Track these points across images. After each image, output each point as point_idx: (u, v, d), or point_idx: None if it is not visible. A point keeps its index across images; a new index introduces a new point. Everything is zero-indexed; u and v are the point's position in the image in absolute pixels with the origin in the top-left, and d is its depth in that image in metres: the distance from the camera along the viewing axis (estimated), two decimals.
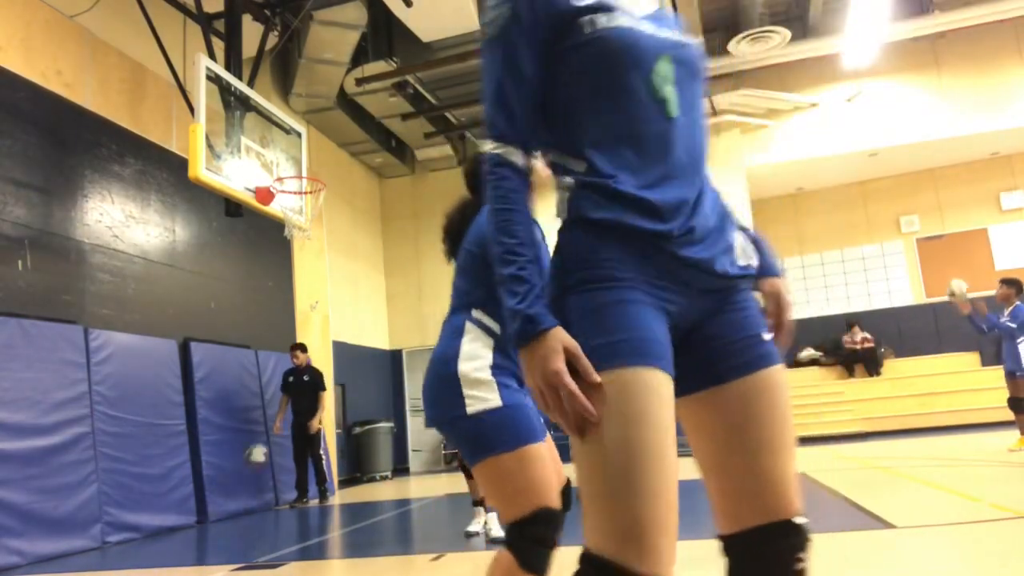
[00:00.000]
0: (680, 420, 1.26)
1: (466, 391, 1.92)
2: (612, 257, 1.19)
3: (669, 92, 1.25)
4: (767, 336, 1.31)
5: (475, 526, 5.01)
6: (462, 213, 2.34)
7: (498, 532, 4.67)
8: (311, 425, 8.54)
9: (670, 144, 1.25)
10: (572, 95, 1.26)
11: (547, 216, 1.40)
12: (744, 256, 1.33)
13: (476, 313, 2.03)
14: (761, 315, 1.34)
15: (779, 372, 1.29)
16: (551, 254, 1.29)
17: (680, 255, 1.21)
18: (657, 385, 1.14)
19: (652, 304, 1.19)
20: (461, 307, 2.07)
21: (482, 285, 2.02)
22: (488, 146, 1.26)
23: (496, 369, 1.95)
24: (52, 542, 5.59)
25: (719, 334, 1.27)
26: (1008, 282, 7.75)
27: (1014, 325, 7.53)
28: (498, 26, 1.25)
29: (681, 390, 1.24)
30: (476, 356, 1.95)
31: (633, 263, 1.19)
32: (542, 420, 2.00)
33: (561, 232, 1.27)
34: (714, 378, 1.26)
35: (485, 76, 1.27)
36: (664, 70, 1.25)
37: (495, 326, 2.01)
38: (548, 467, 1.94)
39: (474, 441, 1.93)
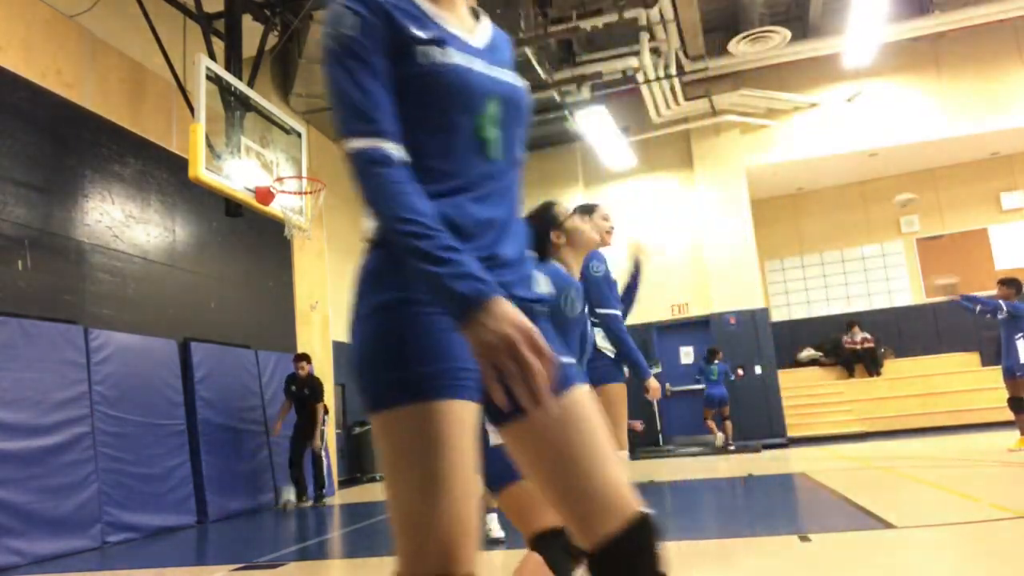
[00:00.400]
0: (507, 446, 1.32)
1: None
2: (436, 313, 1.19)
3: (493, 134, 1.30)
4: (566, 360, 1.34)
5: None
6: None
7: (498, 533, 4.66)
8: (314, 445, 8.56)
9: (486, 180, 1.29)
10: (400, 119, 1.25)
11: None
12: (540, 285, 1.39)
13: None
14: (556, 340, 1.39)
15: (581, 390, 1.34)
16: (359, 274, 1.26)
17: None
18: (462, 415, 1.19)
19: None
20: None
21: None
22: (360, 143, 1.18)
23: None
24: (52, 542, 5.59)
25: None
26: (1007, 282, 7.76)
27: (1006, 308, 7.53)
28: (350, 34, 1.21)
29: (498, 418, 1.29)
30: None
31: None
32: None
33: (373, 252, 1.26)
34: (518, 407, 1.23)
35: (341, 79, 1.21)
36: (492, 112, 1.29)
37: None
38: None
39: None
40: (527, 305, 1.30)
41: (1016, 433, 7.91)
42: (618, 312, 3.41)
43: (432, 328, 1.19)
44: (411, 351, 1.17)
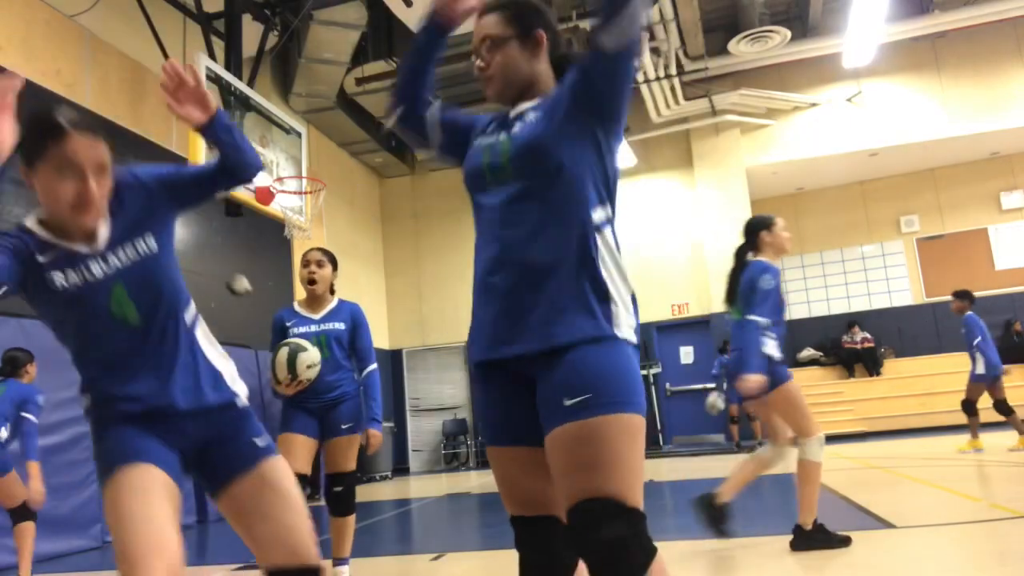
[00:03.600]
0: (223, 512, 1.76)
1: None
2: (120, 429, 1.67)
3: (127, 308, 1.67)
4: (260, 441, 1.78)
5: None
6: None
7: None
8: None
9: (136, 345, 1.68)
10: (56, 324, 1.69)
11: None
12: (215, 391, 1.77)
13: None
14: (257, 424, 1.81)
15: (269, 463, 1.76)
16: None
17: (160, 415, 1.68)
18: (144, 471, 1.60)
19: (152, 436, 1.67)
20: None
21: None
22: None
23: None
24: (52, 542, 5.59)
25: (215, 451, 1.74)
26: (960, 295, 7.95)
27: (963, 330, 7.77)
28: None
29: (212, 491, 1.76)
30: None
31: (137, 425, 1.67)
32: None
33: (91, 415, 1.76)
34: (225, 480, 1.73)
35: None
36: (119, 294, 1.66)
37: None
38: None
39: None
40: (209, 413, 1.74)
41: (1016, 433, 7.91)
42: None
43: (127, 437, 1.65)
44: (117, 446, 1.65)
